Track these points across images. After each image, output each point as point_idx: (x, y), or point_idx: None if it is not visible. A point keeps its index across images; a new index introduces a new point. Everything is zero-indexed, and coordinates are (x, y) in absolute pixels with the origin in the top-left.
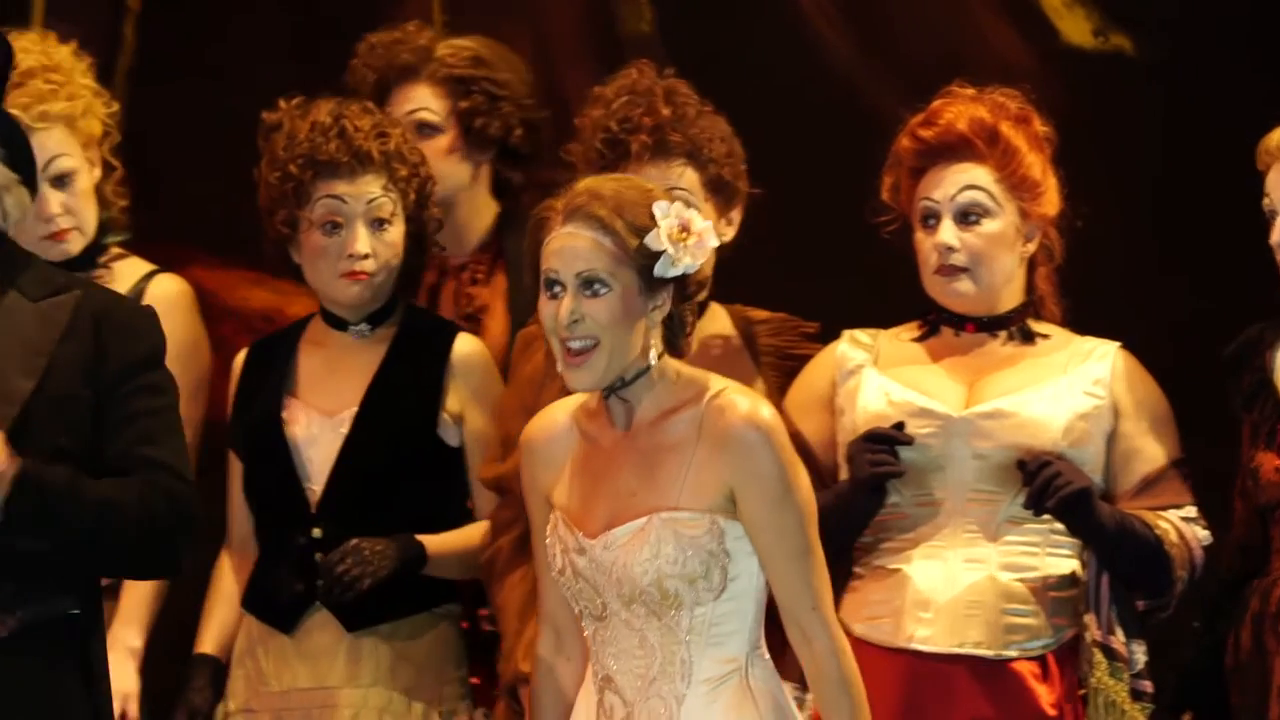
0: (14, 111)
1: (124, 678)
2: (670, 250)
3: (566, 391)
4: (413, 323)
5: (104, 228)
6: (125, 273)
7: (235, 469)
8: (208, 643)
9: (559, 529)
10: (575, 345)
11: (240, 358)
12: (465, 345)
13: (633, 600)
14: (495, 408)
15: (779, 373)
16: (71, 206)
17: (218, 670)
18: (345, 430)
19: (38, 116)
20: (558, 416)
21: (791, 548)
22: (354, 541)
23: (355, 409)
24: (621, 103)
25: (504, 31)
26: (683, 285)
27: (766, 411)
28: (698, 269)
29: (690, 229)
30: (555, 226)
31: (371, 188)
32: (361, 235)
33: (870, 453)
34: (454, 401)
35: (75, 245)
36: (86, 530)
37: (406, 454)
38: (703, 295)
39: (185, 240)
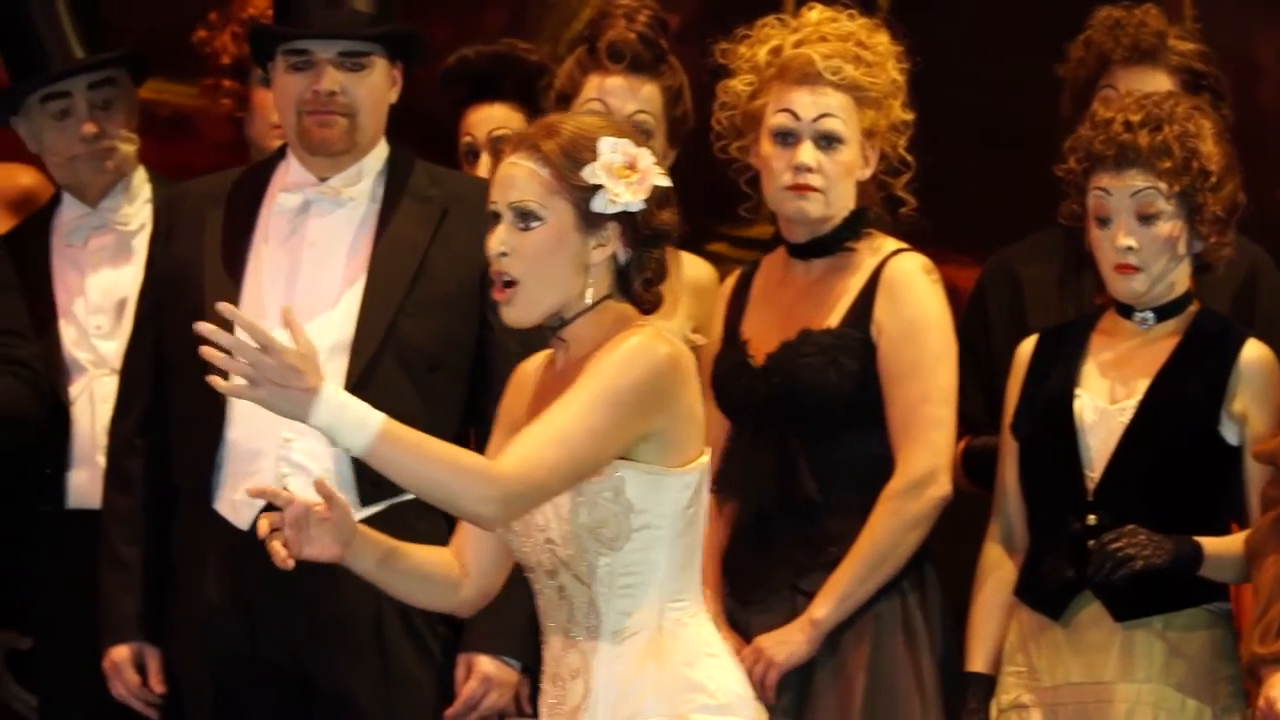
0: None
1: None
2: (608, 184)
3: None
4: (1204, 323)
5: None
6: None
7: (1009, 455)
8: (980, 660)
9: None
10: (502, 280)
11: (1029, 343)
12: (1254, 350)
13: (546, 551)
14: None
15: None
16: (825, 169)
17: (990, 688)
18: (1127, 419)
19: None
20: (538, 357)
21: None
22: (1132, 525)
23: (1139, 398)
24: None
25: None
26: (633, 227)
27: (663, 347)
28: (649, 211)
29: (635, 166)
30: (504, 156)
31: (1136, 180)
32: (1122, 231)
33: None
34: (1239, 403)
35: (815, 208)
36: None
37: (1185, 447)
38: (666, 245)
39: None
